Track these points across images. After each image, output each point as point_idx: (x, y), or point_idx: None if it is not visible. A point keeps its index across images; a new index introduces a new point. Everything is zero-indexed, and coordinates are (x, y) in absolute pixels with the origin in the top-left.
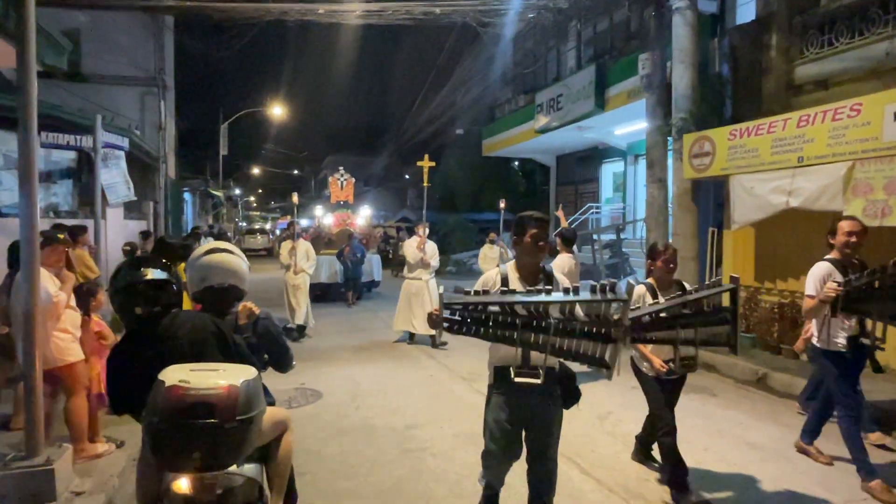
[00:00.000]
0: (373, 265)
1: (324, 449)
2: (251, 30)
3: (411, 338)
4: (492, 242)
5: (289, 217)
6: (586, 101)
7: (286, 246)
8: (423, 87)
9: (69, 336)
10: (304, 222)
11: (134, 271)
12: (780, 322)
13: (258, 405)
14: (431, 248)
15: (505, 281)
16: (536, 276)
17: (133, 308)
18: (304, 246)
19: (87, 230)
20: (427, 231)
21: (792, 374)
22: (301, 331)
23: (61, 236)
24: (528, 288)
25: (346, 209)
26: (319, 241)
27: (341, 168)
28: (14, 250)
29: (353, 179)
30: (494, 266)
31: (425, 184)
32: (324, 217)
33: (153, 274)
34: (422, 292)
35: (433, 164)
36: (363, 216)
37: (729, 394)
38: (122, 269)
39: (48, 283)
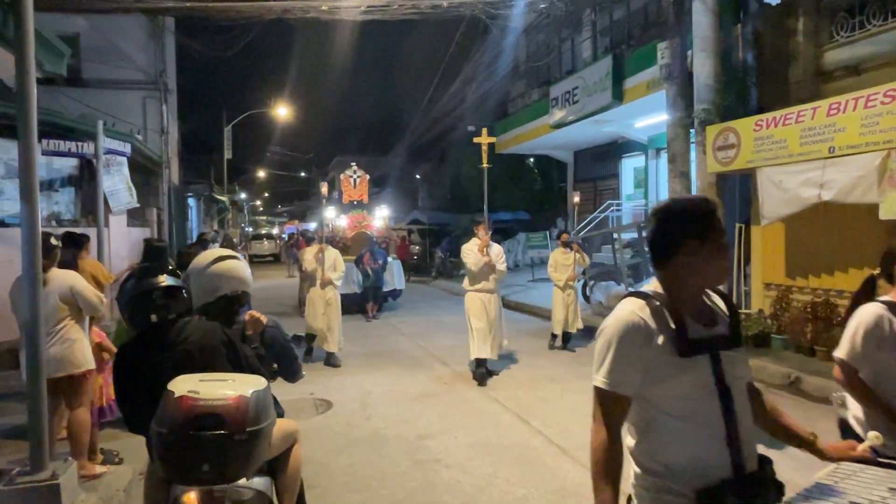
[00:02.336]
0: (394, 272)
1: (333, 461)
2: (253, 29)
3: (488, 372)
4: (566, 245)
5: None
6: (603, 94)
7: (311, 251)
8: (431, 83)
9: (88, 343)
10: (311, 226)
11: (147, 279)
12: (813, 322)
13: (268, 416)
14: (497, 250)
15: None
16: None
17: (147, 316)
18: (332, 253)
19: (88, 238)
20: (490, 231)
21: (826, 377)
22: (310, 350)
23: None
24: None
25: (361, 210)
26: (333, 246)
27: (354, 164)
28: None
29: (367, 176)
30: (568, 275)
31: (484, 164)
32: (337, 219)
33: (168, 281)
34: (495, 306)
35: (492, 139)
36: (380, 217)
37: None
38: (133, 276)
39: (86, 287)
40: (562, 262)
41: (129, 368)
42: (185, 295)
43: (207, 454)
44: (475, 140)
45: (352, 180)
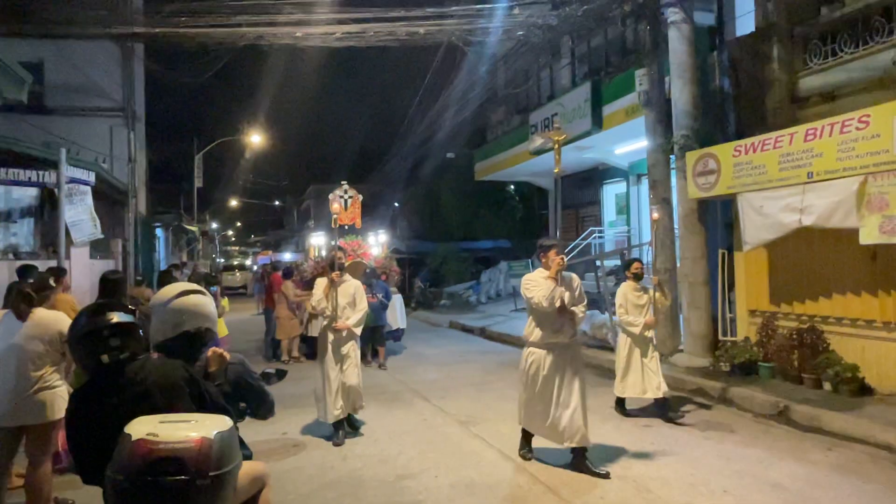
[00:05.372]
0: (396, 309)
1: None
2: (225, 56)
3: (529, 449)
4: (636, 277)
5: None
6: (583, 120)
7: (321, 285)
8: (409, 110)
9: (59, 389)
10: (285, 256)
11: (97, 316)
12: (799, 349)
13: (233, 459)
14: (576, 283)
15: None
16: None
17: (98, 356)
18: (349, 287)
19: (65, 272)
20: (565, 258)
21: (815, 405)
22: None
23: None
24: None
25: (355, 235)
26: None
27: (344, 183)
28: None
29: (360, 197)
30: (643, 318)
31: (556, 169)
32: (327, 247)
33: (119, 317)
34: (571, 367)
35: (563, 135)
36: (378, 244)
37: (748, 429)
38: (82, 315)
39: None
40: (634, 300)
41: (83, 414)
42: (139, 332)
43: (168, 501)
44: (548, 135)
45: (343, 201)
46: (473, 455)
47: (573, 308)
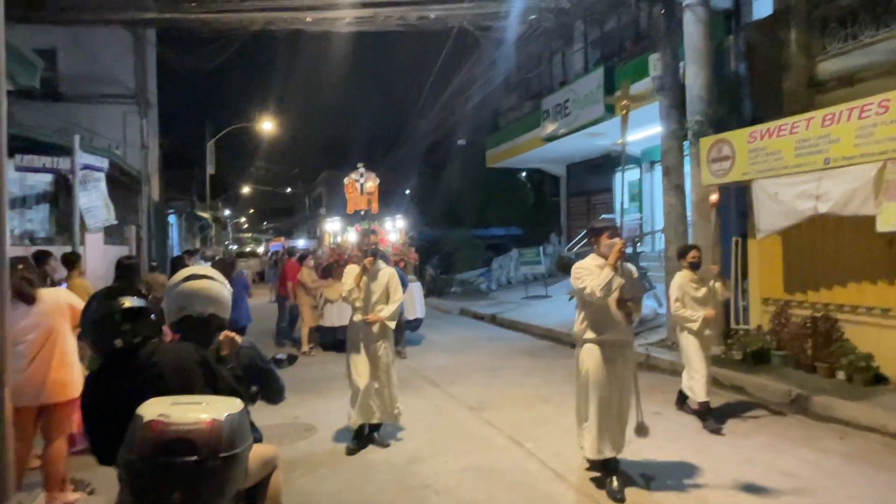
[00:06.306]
0: (414, 297)
1: (317, 488)
2: (236, 41)
3: (613, 474)
4: (692, 267)
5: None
6: (595, 106)
7: (351, 273)
8: (420, 97)
9: (77, 367)
10: (299, 243)
11: (109, 301)
12: (813, 338)
13: (243, 441)
14: (629, 269)
15: None
16: None
17: (111, 341)
18: (384, 275)
19: (79, 257)
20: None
21: (828, 394)
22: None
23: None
24: None
25: (372, 220)
26: (340, 268)
27: (361, 165)
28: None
29: (378, 181)
30: (702, 312)
31: (620, 141)
32: (343, 233)
33: (131, 302)
34: (627, 368)
35: (626, 102)
36: (395, 229)
37: (759, 417)
38: (94, 299)
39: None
40: (691, 292)
41: (97, 397)
42: (151, 317)
43: (179, 482)
44: (605, 101)
45: (358, 185)
46: (483, 440)
47: (631, 302)
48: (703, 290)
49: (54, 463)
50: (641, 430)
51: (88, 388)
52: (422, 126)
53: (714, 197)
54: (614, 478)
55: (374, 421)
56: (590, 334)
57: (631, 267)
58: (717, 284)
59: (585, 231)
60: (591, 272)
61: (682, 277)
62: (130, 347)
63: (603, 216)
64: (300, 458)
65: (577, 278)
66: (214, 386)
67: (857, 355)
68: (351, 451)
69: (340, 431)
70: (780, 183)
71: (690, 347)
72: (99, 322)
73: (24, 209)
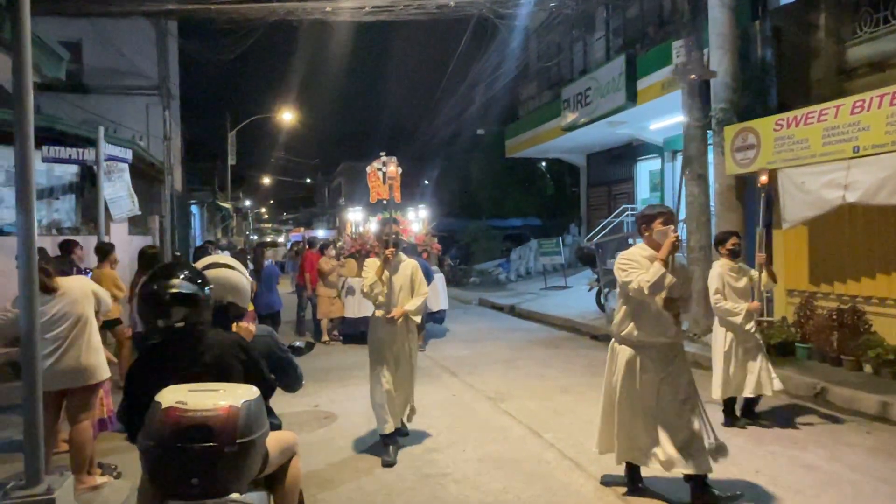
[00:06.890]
0: (438, 289)
1: (337, 475)
2: (256, 32)
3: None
4: (732, 255)
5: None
6: (617, 95)
7: (372, 266)
8: (439, 86)
9: (102, 351)
10: (318, 233)
11: (163, 279)
12: (839, 330)
13: (260, 427)
14: (686, 269)
15: None
16: None
17: (155, 319)
18: (409, 267)
19: (113, 247)
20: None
21: (853, 387)
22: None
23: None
24: None
25: (393, 211)
26: (362, 258)
27: (383, 154)
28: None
29: (400, 169)
30: (744, 304)
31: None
32: (365, 223)
33: (180, 287)
34: (678, 370)
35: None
36: (418, 219)
37: (783, 410)
38: (157, 273)
39: (98, 286)
40: (732, 283)
41: (142, 372)
42: (200, 304)
43: (196, 467)
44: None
45: (380, 174)
46: (501, 430)
47: (680, 301)
48: (744, 280)
49: (81, 446)
50: (720, 451)
51: (137, 363)
52: (441, 116)
53: (764, 178)
54: (632, 480)
55: (397, 424)
56: (632, 334)
57: (683, 261)
58: (763, 274)
59: (636, 217)
60: (639, 265)
61: (722, 267)
62: (174, 331)
63: (652, 205)
64: (320, 445)
65: (621, 269)
66: (252, 375)
67: (885, 348)
68: (388, 463)
69: (359, 420)
70: (807, 172)
71: (717, 344)
72: (148, 298)
73: (51, 199)
